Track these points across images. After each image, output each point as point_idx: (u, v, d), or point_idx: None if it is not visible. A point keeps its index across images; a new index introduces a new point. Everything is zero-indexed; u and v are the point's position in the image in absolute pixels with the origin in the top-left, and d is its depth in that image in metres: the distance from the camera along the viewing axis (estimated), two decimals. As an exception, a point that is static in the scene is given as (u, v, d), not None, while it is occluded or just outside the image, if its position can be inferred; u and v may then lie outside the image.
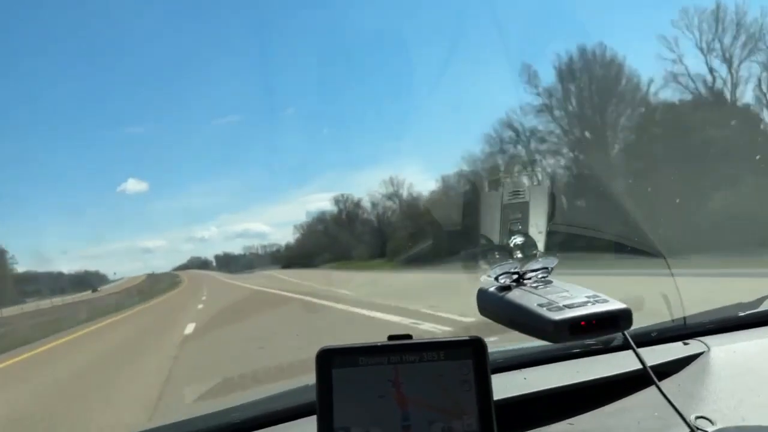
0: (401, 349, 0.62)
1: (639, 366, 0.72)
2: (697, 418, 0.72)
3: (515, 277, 0.67)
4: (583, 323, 0.58)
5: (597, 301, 0.60)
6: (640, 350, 1.03)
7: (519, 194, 0.68)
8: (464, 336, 0.62)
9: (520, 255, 0.69)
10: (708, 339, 1.03)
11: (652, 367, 0.94)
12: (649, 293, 1.37)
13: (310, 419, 0.64)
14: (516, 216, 0.68)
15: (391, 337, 0.63)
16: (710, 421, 0.72)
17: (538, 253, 0.69)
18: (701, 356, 0.97)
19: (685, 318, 1.10)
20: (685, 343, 1.02)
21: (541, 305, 0.60)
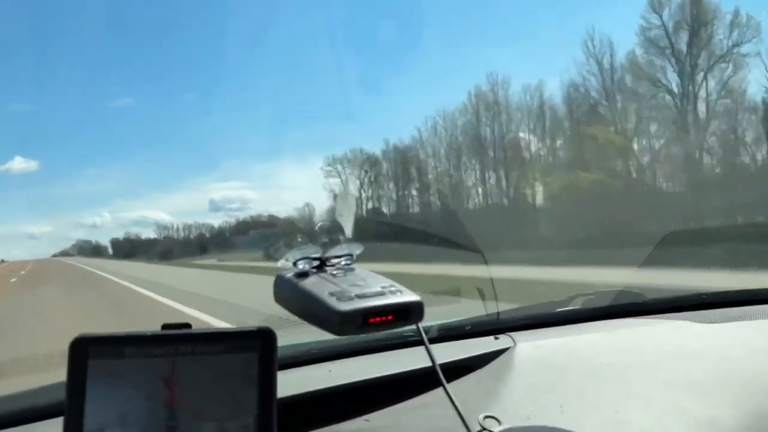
0: (176, 340, 0.54)
1: (442, 361, 0.70)
2: (486, 417, 0.71)
3: (316, 263, 0.62)
4: (371, 316, 0.54)
5: (391, 292, 0.56)
6: (454, 343, 1.02)
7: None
8: (252, 326, 0.56)
9: (324, 240, 0.64)
10: (516, 334, 1.05)
11: (460, 361, 0.93)
12: (467, 287, 1.40)
13: (59, 420, 0.53)
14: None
15: (165, 326, 0.55)
16: (498, 420, 0.72)
17: (343, 238, 0.64)
18: (507, 351, 0.98)
19: (498, 312, 1.13)
20: (496, 338, 1.04)
21: (332, 294, 0.55)
